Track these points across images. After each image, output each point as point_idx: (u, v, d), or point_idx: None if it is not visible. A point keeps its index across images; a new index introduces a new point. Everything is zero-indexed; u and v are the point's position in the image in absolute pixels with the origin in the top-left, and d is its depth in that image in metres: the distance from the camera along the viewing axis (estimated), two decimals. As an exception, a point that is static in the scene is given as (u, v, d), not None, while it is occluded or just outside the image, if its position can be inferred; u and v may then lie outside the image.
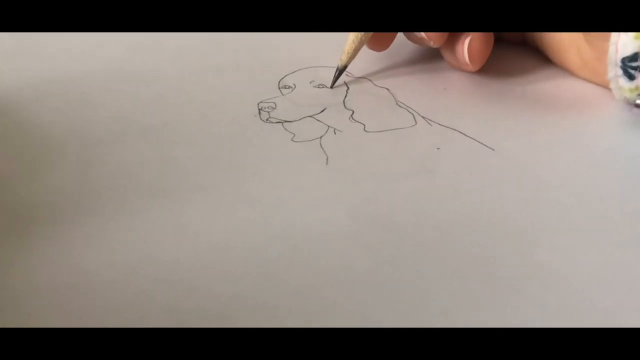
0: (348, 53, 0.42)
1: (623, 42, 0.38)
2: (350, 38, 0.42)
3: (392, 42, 0.44)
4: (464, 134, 0.39)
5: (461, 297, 0.31)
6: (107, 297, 0.31)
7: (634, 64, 0.38)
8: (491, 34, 0.42)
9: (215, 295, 0.31)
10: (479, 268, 0.32)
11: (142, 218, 0.34)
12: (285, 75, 0.44)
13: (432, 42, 0.42)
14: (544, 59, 0.44)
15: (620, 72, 0.38)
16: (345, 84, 0.43)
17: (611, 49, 0.38)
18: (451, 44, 0.42)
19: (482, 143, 0.38)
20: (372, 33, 0.43)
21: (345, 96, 0.42)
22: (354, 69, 0.44)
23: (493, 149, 0.38)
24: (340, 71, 0.43)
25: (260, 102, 0.42)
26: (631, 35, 0.37)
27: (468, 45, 0.42)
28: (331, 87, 0.43)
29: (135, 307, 0.30)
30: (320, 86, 0.43)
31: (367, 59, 0.44)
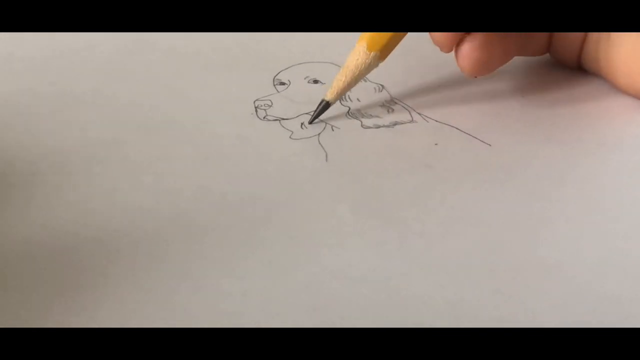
0: (336, 89, 0.39)
1: None
2: (341, 73, 0.39)
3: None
4: (461, 130, 0.39)
5: (464, 292, 0.31)
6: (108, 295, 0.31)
7: None
8: (489, 41, 0.39)
9: (224, 293, 0.31)
10: (481, 262, 0.32)
11: (142, 218, 0.34)
12: (280, 71, 0.44)
13: (440, 47, 0.40)
14: (538, 58, 0.44)
15: None
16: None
17: None
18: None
19: (478, 139, 0.39)
20: (364, 72, 0.39)
21: (341, 93, 0.42)
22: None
23: (490, 145, 0.39)
24: (323, 107, 0.40)
25: (257, 100, 0.42)
26: None
27: (459, 50, 0.39)
28: (310, 122, 0.40)
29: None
30: (315, 82, 0.43)
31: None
